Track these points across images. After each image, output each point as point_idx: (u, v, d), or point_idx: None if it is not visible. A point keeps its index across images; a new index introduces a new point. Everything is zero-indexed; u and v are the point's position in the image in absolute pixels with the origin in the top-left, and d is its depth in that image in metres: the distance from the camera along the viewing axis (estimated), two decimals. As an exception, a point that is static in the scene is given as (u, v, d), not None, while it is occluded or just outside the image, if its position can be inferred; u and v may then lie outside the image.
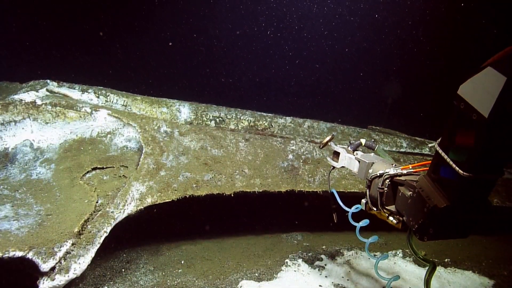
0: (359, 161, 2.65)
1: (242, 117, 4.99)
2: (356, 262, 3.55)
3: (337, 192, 2.98)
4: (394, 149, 5.02)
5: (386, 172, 2.29)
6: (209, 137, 3.93)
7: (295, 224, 4.33)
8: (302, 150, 4.11)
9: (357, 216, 2.73)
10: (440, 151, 1.81)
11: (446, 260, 3.74)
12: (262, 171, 3.76)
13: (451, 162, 1.74)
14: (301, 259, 3.53)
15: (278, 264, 3.45)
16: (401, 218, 2.21)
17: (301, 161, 3.98)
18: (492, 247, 4.09)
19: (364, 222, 2.65)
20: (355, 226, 2.67)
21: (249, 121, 4.98)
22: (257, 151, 3.97)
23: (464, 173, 1.67)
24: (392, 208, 2.29)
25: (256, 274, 3.26)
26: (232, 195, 3.50)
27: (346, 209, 2.76)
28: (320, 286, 3.11)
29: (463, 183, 1.71)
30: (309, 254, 3.64)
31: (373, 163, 2.53)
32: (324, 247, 3.85)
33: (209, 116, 4.92)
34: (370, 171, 2.51)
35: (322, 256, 3.62)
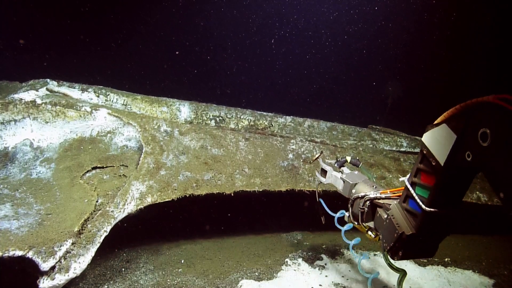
0: (343, 181, 2.91)
1: (242, 117, 4.99)
2: (356, 261, 3.54)
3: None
4: (394, 149, 5.02)
5: (367, 195, 2.59)
6: (209, 136, 3.93)
7: (295, 224, 4.33)
8: (302, 150, 4.10)
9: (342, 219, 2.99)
10: (409, 186, 2.15)
11: (446, 259, 3.74)
12: (262, 171, 3.75)
13: (416, 198, 2.07)
14: (301, 259, 3.53)
15: (278, 263, 3.45)
16: (378, 234, 2.50)
17: (301, 160, 3.98)
18: (492, 247, 4.09)
19: (348, 226, 2.86)
20: (346, 226, 2.89)
21: (249, 120, 4.98)
22: (257, 150, 3.96)
23: (426, 208, 2.00)
24: (371, 224, 2.60)
25: (256, 274, 3.26)
26: (232, 195, 3.50)
27: (332, 214, 3.03)
28: (320, 285, 3.11)
29: (426, 216, 2.03)
30: (309, 253, 3.64)
31: (356, 183, 2.80)
32: (324, 246, 3.85)
33: (209, 116, 4.92)
34: (353, 191, 2.78)
35: (323, 255, 3.61)
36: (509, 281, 3.42)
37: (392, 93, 9.50)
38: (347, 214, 2.82)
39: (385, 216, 2.36)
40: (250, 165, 3.77)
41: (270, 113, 5.15)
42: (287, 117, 5.15)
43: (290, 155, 4.00)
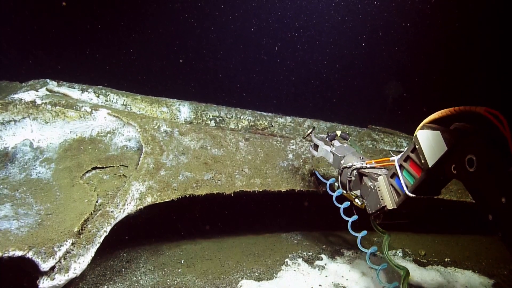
0: (333, 154, 3.14)
1: (242, 117, 4.99)
2: (356, 261, 3.55)
3: None
4: (394, 149, 5.02)
5: (354, 165, 2.81)
6: (209, 136, 3.93)
7: (295, 224, 4.33)
8: (302, 150, 4.10)
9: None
10: (397, 167, 2.35)
11: (446, 259, 3.74)
12: (262, 171, 3.75)
13: (402, 182, 2.29)
14: (301, 259, 3.53)
15: (278, 263, 3.45)
16: (364, 201, 2.72)
17: (301, 160, 3.98)
18: (492, 246, 4.09)
19: (346, 204, 3.03)
20: (344, 208, 3.04)
21: (249, 120, 4.98)
22: (257, 150, 3.96)
23: (409, 193, 2.22)
24: (357, 192, 2.82)
25: (256, 274, 3.26)
26: (232, 195, 3.50)
27: (324, 181, 3.33)
28: (320, 285, 3.11)
29: (408, 198, 2.26)
30: (309, 253, 3.64)
31: (344, 156, 3.02)
32: (324, 246, 3.85)
33: (209, 116, 4.92)
34: (342, 162, 3.00)
35: (322, 255, 3.62)
36: (509, 281, 3.42)
37: (393, 93, 9.50)
38: (336, 184, 3.07)
39: (370, 183, 2.61)
40: (250, 165, 3.77)
41: (270, 113, 5.15)
42: (287, 117, 5.15)
43: (290, 155, 4.00)
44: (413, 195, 2.22)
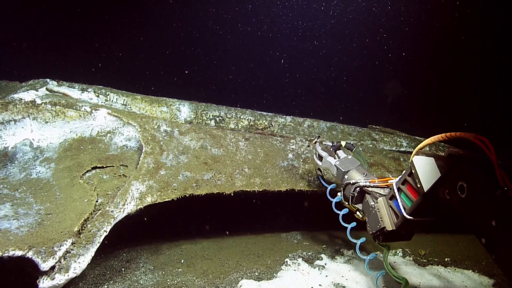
0: (337, 168, 3.17)
1: (242, 116, 4.99)
2: (356, 261, 3.55)
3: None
4: (394, 148, 5.02)
5: (357, 182, 2.84)
6: (209, 136, 3.93)
7: (294, 224, 4.33)
8: (302, 150, 4.10)
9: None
10: (396, 191, 2.43)
11: (446, 259, 3.74)
12: (262, 170, 3.75)
13: (400, 204, 2.37)
14: (301, 259, 3.53)
15: (278, 263, 3.45)
16: (365, 218, 2.78)
17: (301, 160, 3.98)
18: (492, 246, 4.09)
19: (338, 199, 3.12)
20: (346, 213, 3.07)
21: (249, 120, 4.98)
22: (257, 150, 3.96)
23: (407, 216, 2.30)
24: (359, 206, 2.89)
25: (256, 274, 3.26)
26: (232, 195, 3.50)
27: (326, 185, 3.40)
28: (320, 285, 3.11)
29: (405, 220, 2.33)
30: (309, 253, 3.64)
31: (348, 170, 3.06)
32: (324, 246, 3.85)
33: (209, 115, 4.92)
34: (346, 176, 3.05)
35: (322, 255, 3.62)
36: (508, 280, 3.42)
37: (393, 93, 9.50)
38: (339, 194, 3.10)
39: (372, 203, 2.67)
40: (250, 165, 3.77)
41: (270, 113, 5.15)
42: (287, 117, 5.15)
43: (290, 155, 4.00)
44: (411, 217, 2.30)
